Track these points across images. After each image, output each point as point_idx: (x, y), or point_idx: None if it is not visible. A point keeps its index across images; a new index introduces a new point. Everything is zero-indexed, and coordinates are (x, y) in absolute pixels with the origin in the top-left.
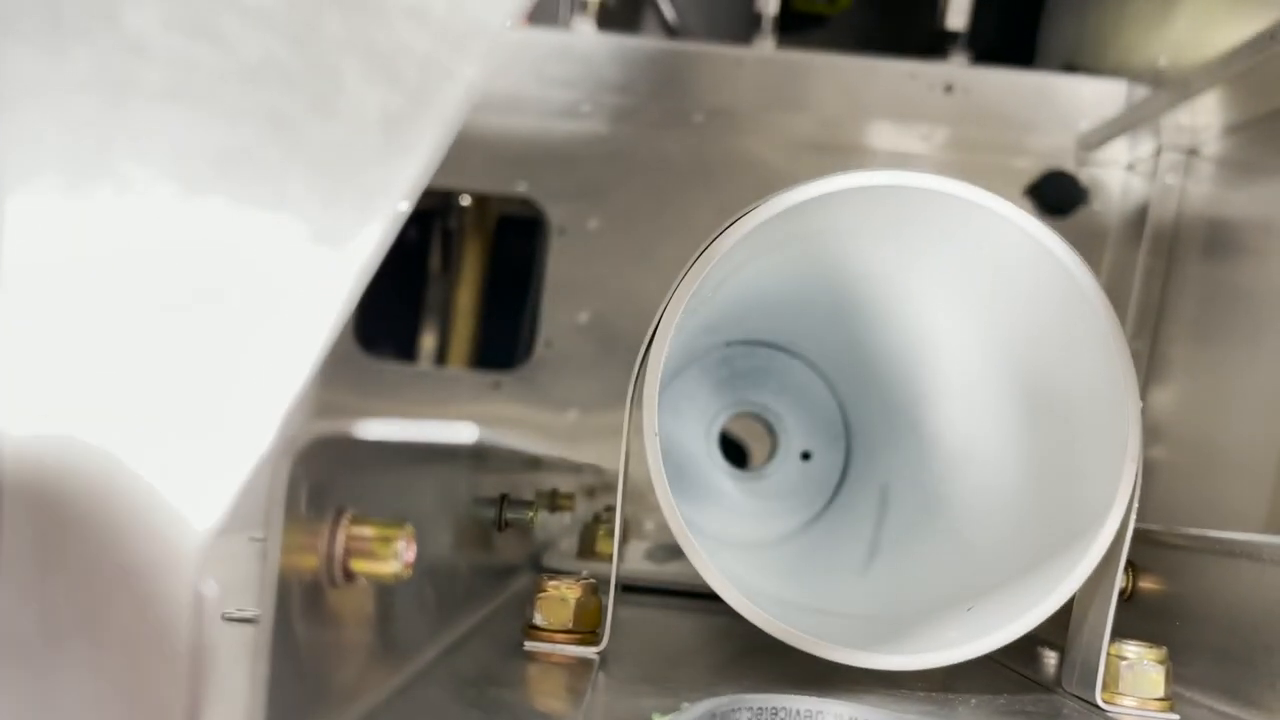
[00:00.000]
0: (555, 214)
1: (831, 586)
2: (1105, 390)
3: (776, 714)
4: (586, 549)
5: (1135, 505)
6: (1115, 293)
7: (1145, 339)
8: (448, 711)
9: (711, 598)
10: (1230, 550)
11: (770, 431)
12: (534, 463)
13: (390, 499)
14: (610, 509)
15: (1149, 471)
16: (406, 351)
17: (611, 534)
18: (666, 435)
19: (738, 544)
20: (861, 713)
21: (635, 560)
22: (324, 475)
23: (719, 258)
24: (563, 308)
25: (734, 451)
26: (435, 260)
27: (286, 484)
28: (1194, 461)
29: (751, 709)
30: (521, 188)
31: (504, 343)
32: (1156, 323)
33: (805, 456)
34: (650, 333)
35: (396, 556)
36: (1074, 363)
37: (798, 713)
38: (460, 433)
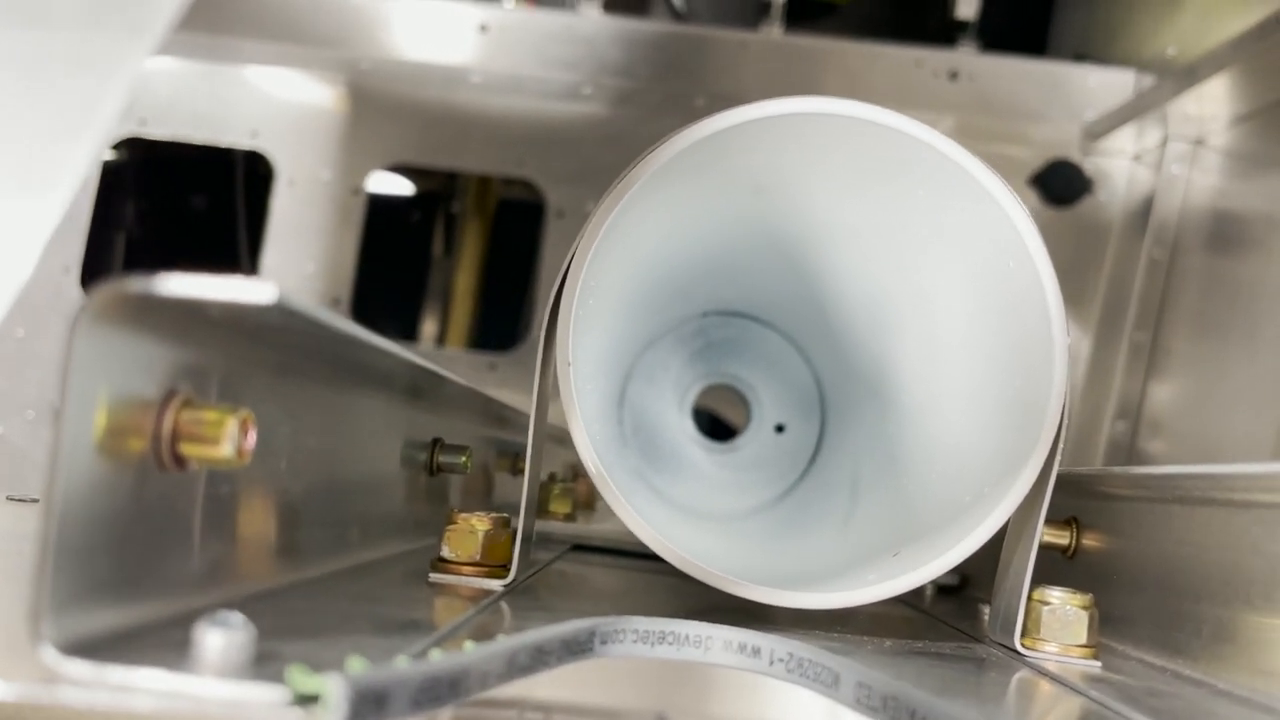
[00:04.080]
0: (555, 196)
1: (803, 557)
2: (1043, 335)
3: (664, 637)
4: (541, 508)
5: (1061, 446)
6: (1118, 284)
7: (1147, 330)
8: (305, 611)
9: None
10: (1162, 495)
11: (745, 403)
12: (498, 418)
13: (274, 410)
14: (570, 467)
15: (1145, 462)
16: (409, 334)
17: (566, 494)
18: (639, 405)
19: (711, 516)
20: (752, 638)
21: (615, 526)
22: (150, 353)
23: (641, 182)
24: None
25: (721, 430)
26: (438, 245)
27: (86, 350)
28: (1192, 454)
29: (637, 631)
30: (522, 169)
31: (502, 325)
32: (1159, 315)
33: (779, 429)
34: (569, 255)
35: (230, 440)
36: (1019, 312)
37: (686, 637)
38: (259, 292)
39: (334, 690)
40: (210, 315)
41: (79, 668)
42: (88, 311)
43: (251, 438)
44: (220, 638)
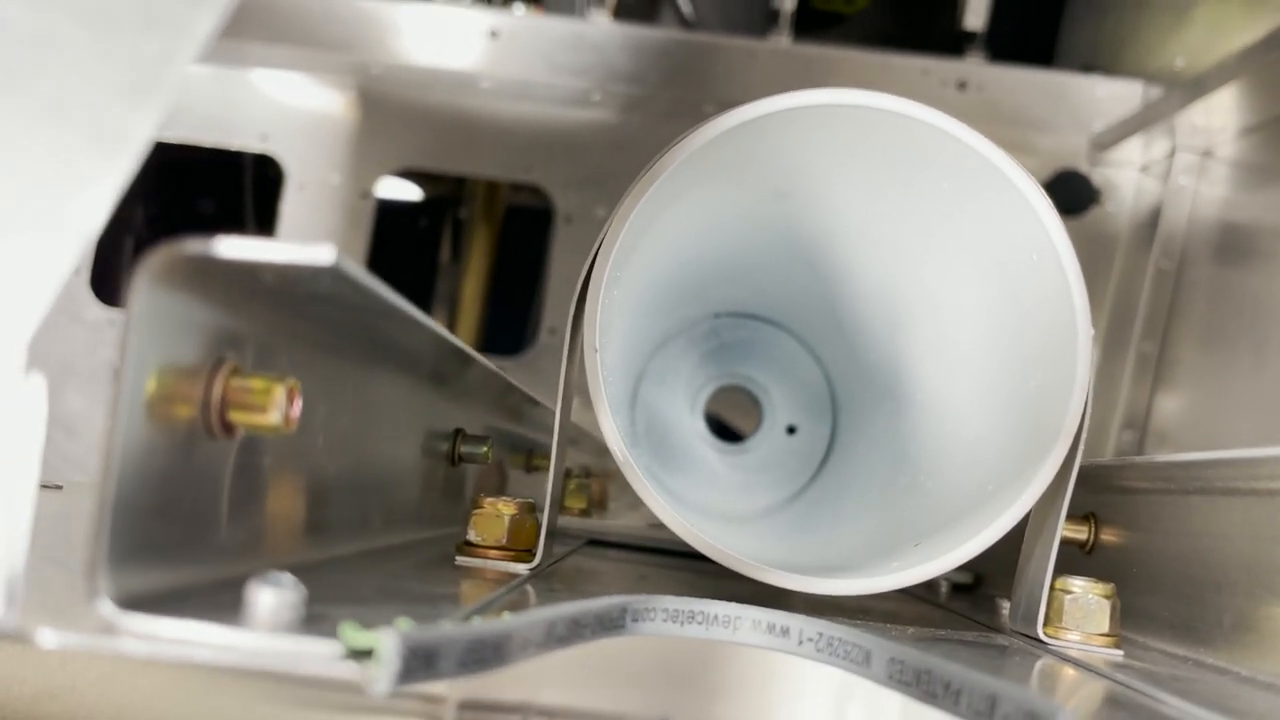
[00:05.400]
0: (563, 202)
1: (820, 552)
2: (1064, 329)
3: (693, 616)
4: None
5: (1084, 435)
6: (1125, 295)
7: (1154, 341)
8: (340, 584)
9: (705, 558)
10: (1182, 487)
11: (756, 404)
12: (515, 413)
13: (313, 387)
14: (583, 467)
15: None
16: None
17: (581, 490)
18: (651, 406)
19: (724, 517)
20: (780, 618)
21: (638, 523)
22: (201, 319)
23: (666, 174)
24: (568, 296)
25: (728, 436)
26: (446, 250)
27: (144, 310)
28: None
29: (667, 610)
30: (530, 175)
31: (510, 331)
32: (1166, 325)
33: (791, 430)
34: (594, 249)
35: (277, 408)
36: (1039, 305)
37: (715, 616)
38: (317, 254)
39: (388, 645)
40: (260, 282)
41: (136, 620)
42: (147, 272)
43: (298, 406)
44: (272, 595)
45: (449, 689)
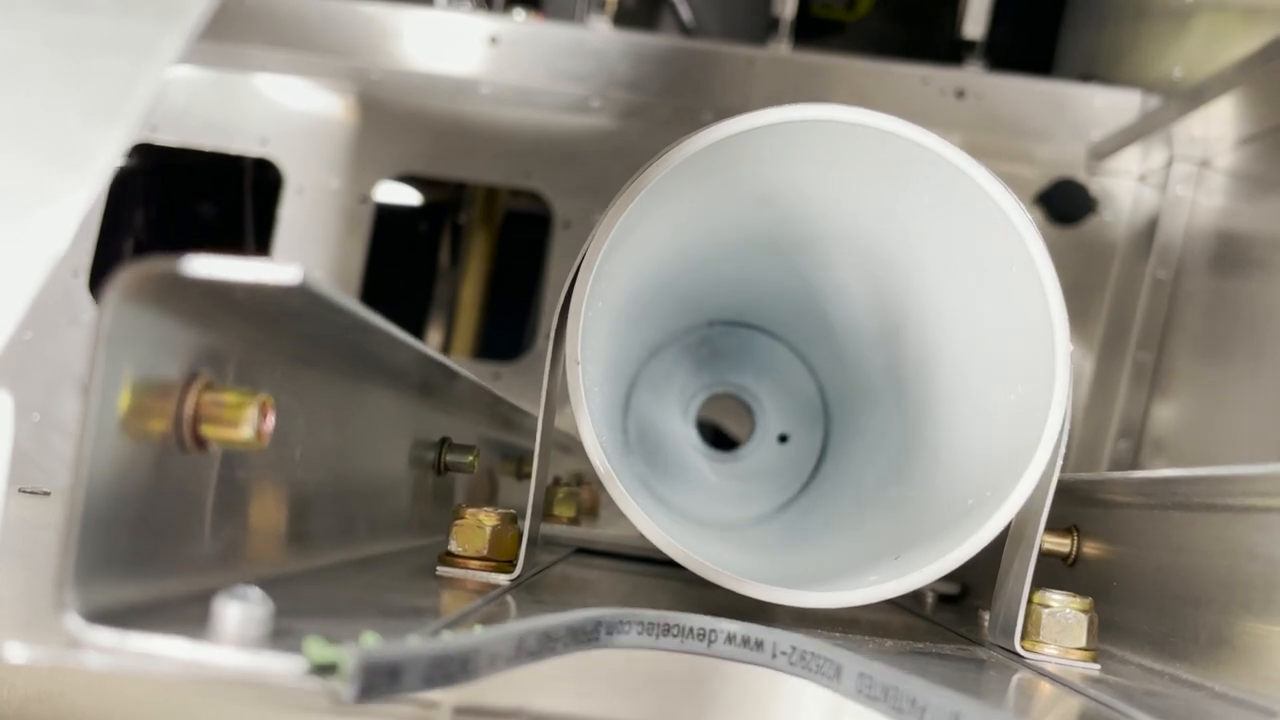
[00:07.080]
0: (561, 208)
1: (806, 562)
2: (1045, 342)
3: (668, 630)
4: (546, 512)
5: (1063, 450)
6: (1122, 304)
7: (1151, 351)
8: (316, 596)
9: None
10: (1161, 501)
11: (749, 413)
12: (505, 421)
13: (290, 400)
14: (574, 474)
15: None
16: None
17: (570, 498)
18: (643, 414)
19: (715, 525)
20: (755, 632)
21: (628, 531)
22: (174, 335)
23: (655, 183)
24: None
25: (725, 443)
26: (445, 255)
27: (114, 327)
28: None
29: (642, 623)
30: (529, 181)
31: (507, 336)
32: (1162, 335)
33: (783, 439)
34: (577, 263)
35: (250, 423)
36: (1022, 319)
37: (690, 630)
38: (285, 273)
39: (350, 661)
40: (234, 298)
41: (102, 635)
42: (117, 290)
43: (270, 421)
44: (239, 610)
45: (443, 693)
